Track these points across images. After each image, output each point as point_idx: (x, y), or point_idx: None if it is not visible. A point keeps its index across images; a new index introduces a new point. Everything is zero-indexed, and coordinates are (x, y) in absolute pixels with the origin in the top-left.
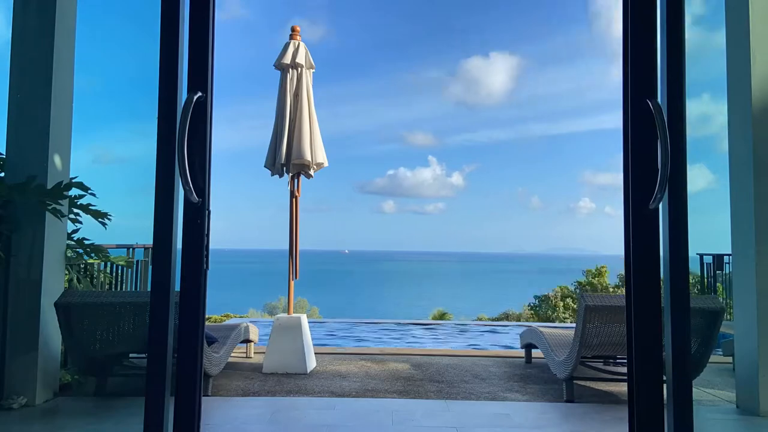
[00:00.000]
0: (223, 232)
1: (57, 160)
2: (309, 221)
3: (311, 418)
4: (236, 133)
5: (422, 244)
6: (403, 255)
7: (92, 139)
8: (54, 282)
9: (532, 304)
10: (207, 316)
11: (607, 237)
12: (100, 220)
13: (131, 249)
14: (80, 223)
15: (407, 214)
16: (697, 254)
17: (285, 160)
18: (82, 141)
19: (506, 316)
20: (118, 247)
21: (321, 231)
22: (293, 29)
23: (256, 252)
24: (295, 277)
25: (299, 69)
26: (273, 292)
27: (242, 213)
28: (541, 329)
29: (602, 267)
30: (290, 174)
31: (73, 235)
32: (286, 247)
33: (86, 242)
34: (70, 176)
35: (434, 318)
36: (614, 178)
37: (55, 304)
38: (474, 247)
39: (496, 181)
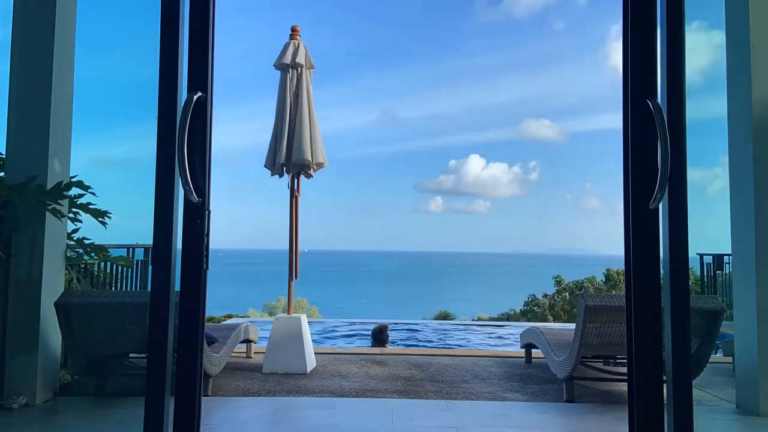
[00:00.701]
0: (225, 232)
1: (57, 159)
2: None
3: (311, 418)
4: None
5: (429, 245)
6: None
7: (92, 138)
8: (54, 282)
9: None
10: (207, 317)
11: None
12: (100, 219)
13: (131, 249)
14: (80, 222)
15: (450, 213)
16: (697, 254)
17: (285, 160)
18: (82, 141)
19: (507, 317)
20: (118, 247)
21: (334, 231)
22: (293, 29)
23: (260, 252)
24: (295, 277)
25: (299, 69)
26: (273, 292)
27: (245, 212)
28: (541, 329)
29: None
30: (290, 174)
31: (73, 235)
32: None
33: (86, 242)
34: (70, 176)
35: (436, 319)
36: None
37: (55, 304)
38: (473, 248)
39: (570, 176)
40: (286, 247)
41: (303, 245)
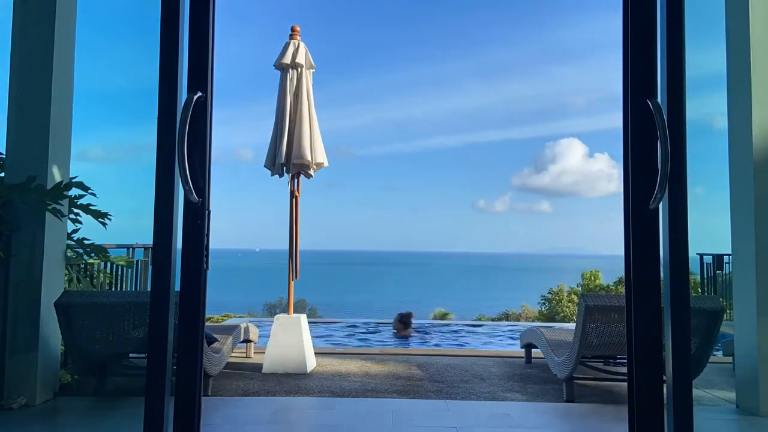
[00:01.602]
0: (227, 232)
1: (57, 160)
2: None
3: (311, 418)
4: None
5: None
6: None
7: (92, 138)
8: (54, 282)
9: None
10: (207, 316)
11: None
12: (100, 220)
13: (131, 249)
14: (80, 223)
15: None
16: (697, 254)
17: (285, 160)
18: (83, 141)
19: (506, 316)
20: (118, 247)
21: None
22: (293, 29)
23: (273, 252)
24: (296, 277)
25: (299, 69)
26: (272, 292)
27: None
28: (541, 329)
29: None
30: (290, 174)
31: (73, 235)
32: (311, 247)
33: (86, 242)
34: (70, 176)
35: (434, 318)
36: None
37: (55, 304)
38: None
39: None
40: (307, 247)
41: (371, 246)
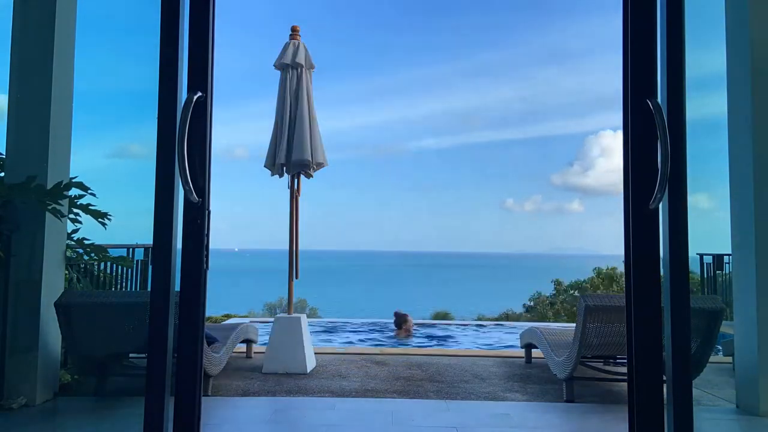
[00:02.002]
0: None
1: (57, 160)
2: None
3: (311, 418)
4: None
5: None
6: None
7: (92, 138)
8: (54, 282)
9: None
10: (207, 316)
11: None
12: (99, 220)
13: (131, 249)
14: (80, 223)
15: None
16: (697, 254)
17: (285, 160)
18: (83, 140)
19: (506, 316)
20: (118, 247)
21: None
22: (293, 29)
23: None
24: (296, 277)
25: (299, 69)
26: (272, 291)
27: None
28: (542, 329)
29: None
30: (290, 174)
31: (73, 235)
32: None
33: (86, 242)
34: (70, 176)
35: (435, 318)
36: None
37: (55, 304)
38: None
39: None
40: (311, 247)
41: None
